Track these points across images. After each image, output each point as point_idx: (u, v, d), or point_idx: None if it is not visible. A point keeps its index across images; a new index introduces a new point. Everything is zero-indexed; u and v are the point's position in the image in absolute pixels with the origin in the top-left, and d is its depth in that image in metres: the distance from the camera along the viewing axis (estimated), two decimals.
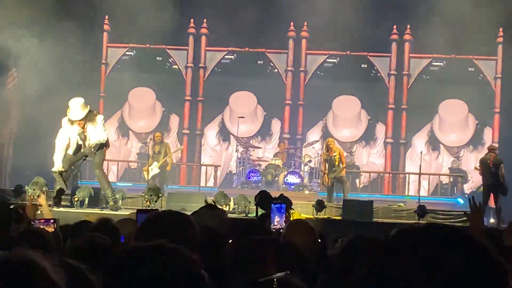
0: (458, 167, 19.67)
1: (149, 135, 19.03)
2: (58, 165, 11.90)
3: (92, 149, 11.80)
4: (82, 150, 12.04)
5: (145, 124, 20.60)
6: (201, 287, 1.73)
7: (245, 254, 2.73)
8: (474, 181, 18.86)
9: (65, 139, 11.92)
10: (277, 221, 4.65)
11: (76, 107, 11.76)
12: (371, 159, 20.24)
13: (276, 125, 20.54)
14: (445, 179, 19.54)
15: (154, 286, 1.68)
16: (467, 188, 19.24)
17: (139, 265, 1.72)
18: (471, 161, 19.29)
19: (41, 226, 5.25)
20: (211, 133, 20.67)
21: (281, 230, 4.38)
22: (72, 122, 11.76)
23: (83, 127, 11.75)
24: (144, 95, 20.43)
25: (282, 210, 4.75)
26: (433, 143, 19.95)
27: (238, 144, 18.71)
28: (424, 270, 1.44)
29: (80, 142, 11.87)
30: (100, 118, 12.00)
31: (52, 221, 5.51)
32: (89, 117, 11.77)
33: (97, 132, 11.78)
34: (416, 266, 1.45)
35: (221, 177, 20.06)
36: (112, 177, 17.91)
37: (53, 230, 5.34)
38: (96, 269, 1.99)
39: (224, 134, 20.64)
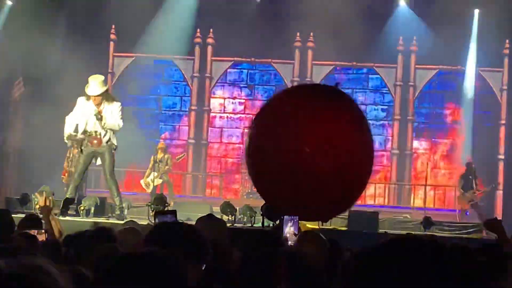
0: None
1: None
2: (68, 131, 11.71)
3: (106, 133, 11.51)
4: (91, 133, 11.68)
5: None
6: None
7: (258, 266, 2.72)
8: None
9: (77, 117, 11.71)
10: (289, 233, 4.64)
11: (95, 83, 11.63)
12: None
13: None
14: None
15: None
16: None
17: (129, 273, 1.74)
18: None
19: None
20: (216, 143, 20.68)
21: (290, 242, 4.39)
22: (88, 98, 11.58)
23: (99, 105, 11.52)
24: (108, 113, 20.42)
25: (295, 222, 4.74)
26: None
27: (243, 154, 18.66)
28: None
29: (95, 122, 11.58)
30: (118, 103, 11.82)
31: (43, 230, 5.51)
32: (106, 96, 11.62)
33: (114, 116, 11.58)
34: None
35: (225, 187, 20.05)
36: (121, 185, 17.87)
37: (44, 239, 5.33)
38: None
39: (230, 144, 20.65)
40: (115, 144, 11.79)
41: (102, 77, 11.91)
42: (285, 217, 4.88)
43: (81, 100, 11.82)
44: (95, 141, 11.58)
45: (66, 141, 12.00)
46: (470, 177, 16.54)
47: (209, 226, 3.88)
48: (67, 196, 11.94)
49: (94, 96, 11.48)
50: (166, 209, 11.36)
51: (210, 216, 4.86)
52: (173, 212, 3.93)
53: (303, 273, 2.76)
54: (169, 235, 2.74)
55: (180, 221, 3.05)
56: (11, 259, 1.43)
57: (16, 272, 1.37)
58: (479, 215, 16.60)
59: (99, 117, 11.47)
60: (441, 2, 18.11)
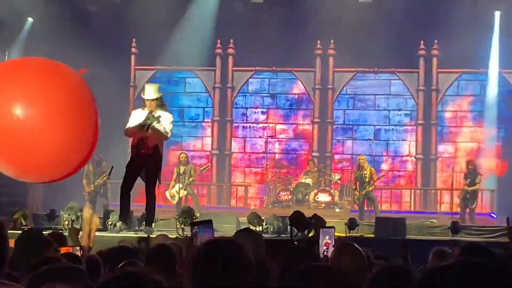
0: None
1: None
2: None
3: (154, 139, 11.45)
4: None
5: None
6: None
7: (298, 282, 2.71)
8: None
9: (134, 123, 11.69)
10: (326, 245, 4.62)
11: (151, 88, 11.67)
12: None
13: (305, 144, 20.53)
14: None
15: None
16: None
17: None
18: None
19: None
20: (239, 153, 20.70)
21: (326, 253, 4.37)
22: (144, 107, 11.58)
23: (153, 111, 11.45)
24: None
25: (331, 233, 4.72)
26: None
27: (267, 163, 18.70)
28: None
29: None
30: (171, 115, 11.83)
31: (78, 248, 5.49)
32: (161, 104, 11.63)
33: (166, 123, 11.57)
34: None
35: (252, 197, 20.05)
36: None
37: (80, 255, 5.33)
38: None
39: (253, 153, 20.66)
40: (162, 154, 11.69)
41: (158, 84, 12.00)
42: (321, 229, 4.86)
43: (135, 111, 11.86)
44: (142, 150, 11.50)
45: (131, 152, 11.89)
46: (474, 174, 16.48)
47: (249, 240, 3.86)
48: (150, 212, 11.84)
49: (150, 100, 11.50)
50: (194, 220, 11.35)
51: (248, 230, 4.85)
52: (210, 222, 3.89)
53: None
54: (218, 254, 2.71)
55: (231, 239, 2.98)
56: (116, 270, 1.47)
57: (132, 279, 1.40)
58: None
59: (148, 122, 11.34)
60: (462, 4, 18.05)
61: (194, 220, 11.24)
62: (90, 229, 6.64)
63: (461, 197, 16.55)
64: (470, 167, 16.65)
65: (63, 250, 5.41)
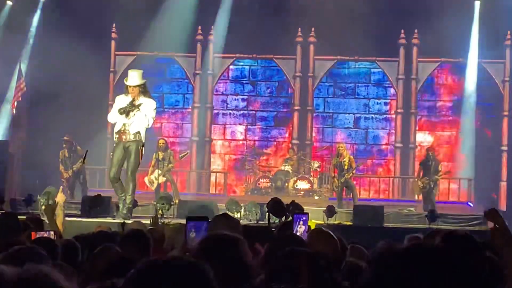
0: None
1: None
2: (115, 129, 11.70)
3: (134, 126, 11.47)
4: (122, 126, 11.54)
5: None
6: None
7: (281, 265, 2.75)
8: None
9: (115, 114, 11.64)
10: (299, 232, 4.65)
11: (135, 74, 11.69)
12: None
13: (284, 131, 20.58)
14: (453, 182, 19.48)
15: None
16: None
17: (157, 279, 1.74)
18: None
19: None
20: (219, 140, 20.70)
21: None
22: (127, 93, 11.56)
23: (136, 97, 11.41)
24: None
25: (304, 220, 4.75)
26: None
27: (247, 151, 18.75)
28: None
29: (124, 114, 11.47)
30: (154, 102, 11.83)
31: (52, 232, 5.49)
32: (144, 90, 11.61)
33: (148, 110, 11.55)
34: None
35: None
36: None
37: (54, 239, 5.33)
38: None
39: (233, 140, 20.68)
40: (143, 141, 11.72)
41: (141, 71, 11.97)
42: (295, 215, 4.89)
43: (118, 97, 11.86)
44: (123, 136, 11.53)
45: (114, 139, 11.89)
46: (429, 163, 16.41)
47: (226, 226, 3.89)
48: (121, 197, 11.82)
49: (133, 86, 11.48)
50: (172, 207, 11.37)
51: (226, 215, 4.88)
52: (206, 219, 3.84)
53: (322, 272, 2.78)
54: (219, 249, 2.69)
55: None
56: (17, 267, 1.45)
57: (22, 280, 1.39)
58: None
59: (131, 106, 11.36)
60: None
61: (172, 207, 11.28)
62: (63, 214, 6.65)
63: (425, 186, 16.33)
64: (430, 154, 16.56)
65: (38, 234, 5.40)
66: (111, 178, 11.79)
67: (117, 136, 11.63)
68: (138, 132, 11.54)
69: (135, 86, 11.46)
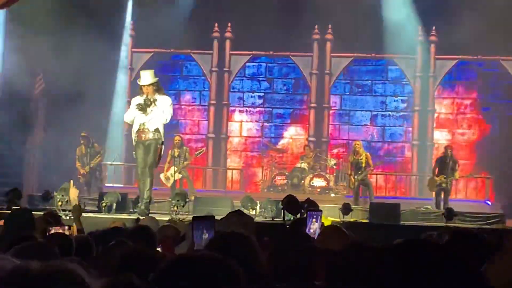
0: None
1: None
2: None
3: (153, 123, 11.53)
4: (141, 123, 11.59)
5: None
6: None
7: (295, 262, 2.74)
8: None
9: (132, 113, 11.75)
10: (313, 229, 4.63)
11: (147, 73, 11.82)
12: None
13: (301, 128, 20.55)
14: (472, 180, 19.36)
15: None
16: None
17: (185, 275, 1.73)
18: None
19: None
20: (236, 137, 20.71)
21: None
22: (141, 93, 11.66)
23: (151, 96, 11.50)
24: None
25: (319, 218, 4.73)
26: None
27: (264, 147, 18.74)
28: None
29: (142, 112, 11.54)
30: (169, 98, 11.92)
31: (67, 227, 5.51)
32: (158, 88, 11.71)
33: (164, 105, 11.60)
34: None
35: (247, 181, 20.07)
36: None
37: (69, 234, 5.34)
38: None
39: (249, 137, 20.67)
40: (163, 138, 11.81)
41: (152, 70, 12.08)
42: (308, 212, 4.87)
43: (134, 98, 11.97)
44: (143, 135, 11.64)
45: (134, 139, 11.99)
46: (447, 161, 16.25)
47: (239, 223, 3.88)
48: (145, 198, 11.90)
49: (146, 85, 11.58)
50: (187, 202, 11.38)
51: (239, 212, 4.88)
52: (212, 218, 3.83)
53: (338, 269, 2.77)
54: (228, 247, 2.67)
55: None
56: (43, 262, 1.45)
57: (47, 275, 1.38)
58: None
59: (148, 102, 11.47)
60: None
61: (188, 203, 11.29)
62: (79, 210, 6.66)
63: (441, 184, 16.18)
64: (448, 152, 16.41)
65: (54, 229, 5.42)
66: (138, 176, 12.01)
67: (136, 135, 11.73)
68: (157, 129, 11.61)
69: (148, 85, 11.55)
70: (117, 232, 5.62)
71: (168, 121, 11.84)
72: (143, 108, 11.51)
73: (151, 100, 11.49)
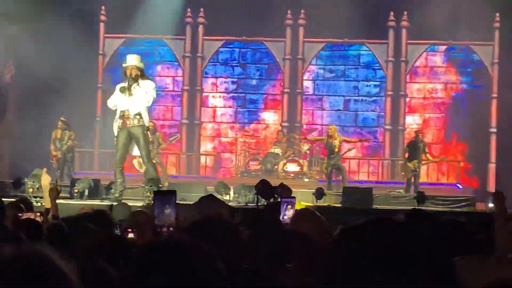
0: None
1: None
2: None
3: (135, 107, 11.48)
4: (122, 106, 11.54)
5: None
6: (219, 281, 1.75)
7: (271, 246, 2.77)
8: None
9: (115, 99, 11.70)
10: (287, 215, 4.66)
11: (134, 57, 11.83)
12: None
13: (274, 114, 20.57)
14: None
15: (175, 280, 1.70)
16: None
17: (159, 262, 1.73)
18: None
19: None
20: (209, 123, 20.69)
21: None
22: (125, 76, 11.57)
23: (135, 80, 11.42)
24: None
25: (293, 204, 4.76)
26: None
27: (237, 133, 18.76)
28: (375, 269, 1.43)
29: (127, 99, 11.47)
30: (153, 83, 11.86)
31: (39, 214, 5.48)
32: (142, 74, 11.62)
33: (148, 88, 11.52)
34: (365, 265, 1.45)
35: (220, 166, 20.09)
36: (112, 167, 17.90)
37: (41, 221, 5.32)
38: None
39: (223, 123, 20.66)
40: (147, 124, 11.76)
41: (139, 56, 12.05)
42: (283, 199, 4.89)
43: (118, 85, 11.85)
44: (127, 121, 11.57)
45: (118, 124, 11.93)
46: (419, 145, 16.39)
47: (211, 206, 3.89)
48: (118, 181, 11.83)
49: (131, 66, 11.50)
50: (161, 188, 11.36)
51: (211, 196, 4.89)
52: (173, 193, 3.86)
53: (312, 252, 2.80)
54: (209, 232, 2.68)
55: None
56: (16, 246, 1.43)
57: (22, 260, 1.38)
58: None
59: (131, 82, 11.37)
60: None
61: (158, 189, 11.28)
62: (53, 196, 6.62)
63: (415, 169, 16.29)
64: (419, 136, 16.54)
65: (25, 216, 5.39)
66: (116, 162, 11.90)
67: (120, 121, 11.66)
68: (140, 114, 11.54)
69: (133, 67, 11.48)
70: (88, 217, 5.61)
71: (150, 103, 11.77)
72: (126, 88, 11.44)
73: (135, 79, 11.43)
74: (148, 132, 11.94)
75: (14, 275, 1.34)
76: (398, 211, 11.68)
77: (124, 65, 11.78)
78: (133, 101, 11.47)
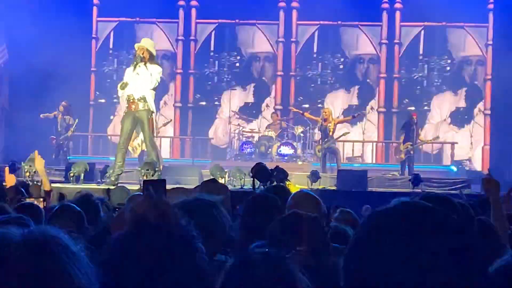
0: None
1: None
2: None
3: (140, 91, 11.45)
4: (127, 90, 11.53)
5: None
6: (198, 259, 1.77)
7: (281, 227, 2.78)
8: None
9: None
10: None
11: (147, 39, 12.00)
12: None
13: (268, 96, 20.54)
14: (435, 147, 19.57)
15: (154, 259, 1.71)
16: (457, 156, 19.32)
17: (138, 245, 1.74)
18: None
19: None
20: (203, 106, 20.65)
21: None
22: (134, 64, 11.54)
23: (143, 61, 11.40)
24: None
25: None
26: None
27: (231, 116, 18.72)
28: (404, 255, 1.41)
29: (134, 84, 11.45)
30: (160, 68, 11.85)
31: (41, 199, 5.46)
32: (151, 57, 11.61)
33: (154, 70, 11.52)
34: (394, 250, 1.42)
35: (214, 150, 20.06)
36: (107, 151, 17.89)
37: (43, 206, 5.31)
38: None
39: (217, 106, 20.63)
40: (152, 109, 11.74)
41: (154, 43, 12.10)
42: None
43: (128, 69, 11.83)
44: (133, 106, 11.57)
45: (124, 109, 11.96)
46: (413, 127, 16.41)
47: (215, 191, 3.89)
48: (118, 164, 11.81)
49: (142, 46, 11.50)
50: (156, 173, 11.36)
51: (214, 180, 4.89)
52: (163, 182, 3.87)
53: (320, 235, 2.82)
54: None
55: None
56: (25, 229, 1.42)
57: (28, 242, 1.37)
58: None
59: (139, 59, 11.34)
60: None
61: (157, 173, 11.27)
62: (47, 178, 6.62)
63: (409, 151, 16.30)
64: (414, 118, 16.53)
65: (24, 200, 5.39)
66: (119, 146, 11.89)
67: (126, 105, 11.69)
68: (145, 98, 11.51)
69: (144, 48, 11.48)
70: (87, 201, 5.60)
71: (153, 85, 11.71)
72: (132, 65, 11.48)
73: (143, 59, 11.42)
74: (152, 116, 11.90)
75: (27, 258, 1.33)
76: (394, 193, 11.74)
77: (136, 45, 11.82)
78: (138, 84, 11.47)
